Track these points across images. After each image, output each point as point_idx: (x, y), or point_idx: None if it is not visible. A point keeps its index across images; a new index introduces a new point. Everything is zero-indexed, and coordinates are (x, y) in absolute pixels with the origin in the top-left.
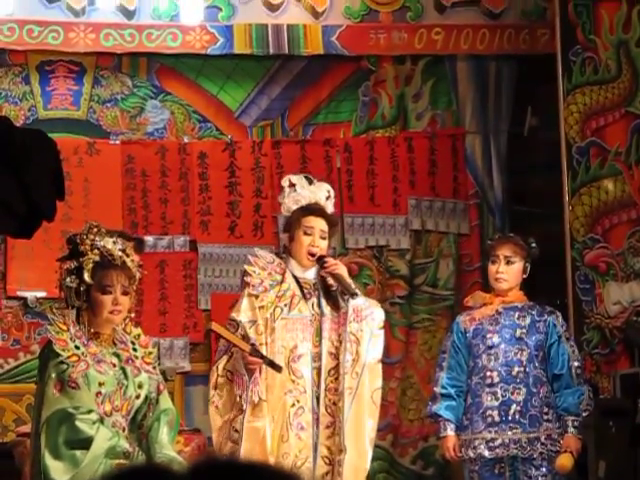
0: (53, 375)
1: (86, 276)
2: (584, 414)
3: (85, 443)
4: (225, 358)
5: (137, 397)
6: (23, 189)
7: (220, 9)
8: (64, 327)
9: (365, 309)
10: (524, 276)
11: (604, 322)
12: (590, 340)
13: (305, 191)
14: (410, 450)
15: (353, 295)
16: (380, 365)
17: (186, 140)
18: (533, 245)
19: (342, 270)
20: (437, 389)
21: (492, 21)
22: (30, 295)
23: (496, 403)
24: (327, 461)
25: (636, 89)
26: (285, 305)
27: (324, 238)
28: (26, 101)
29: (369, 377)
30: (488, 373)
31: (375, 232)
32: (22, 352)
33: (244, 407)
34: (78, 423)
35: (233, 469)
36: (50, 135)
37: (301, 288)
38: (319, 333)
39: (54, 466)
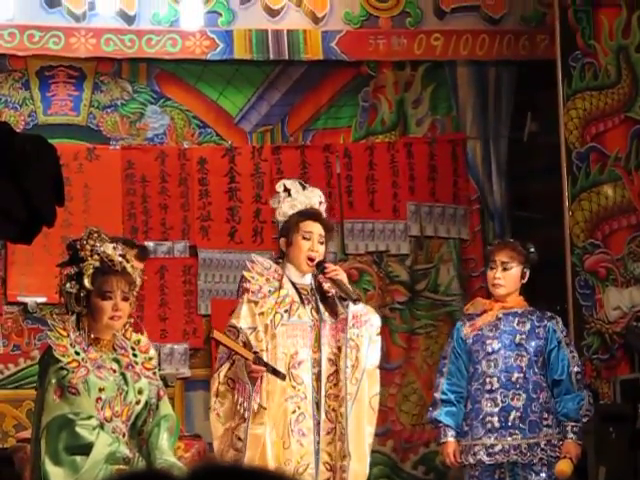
0: (53, 381)
1: (86, 282)
2: (584, 420)
3: (85, 449)
4: (227, 365)
5: (137, 403)
6: (23, 195)
7: (220, 14)
8: (64, 333)
9: (364, 315)
10: (523, 281)
11: (604, 327)
12: (590, 345)
13: (300, 196)
14: (411, 455)
15: (355, 301)
16: (378, 371)
17: (186, 146)
18: (532, 251)
19: (343, 276)
20: (437, 395)
21: (492, 27)
22: (30, 301)
23: (496, 409)
24: (328, 467)
25: (636, 94)
26: (285, 311)
27: (322, 243)
28: (26, 107)
29: (368, 383)
30: (488, 379)
31: (375, 238)
32: (22, 358)
33: (247, 415)
34: (78, 429)
35: (233, 474)
36: (50, 141)
37: (299, 294)
38: (318, 339)
39: (54, 472)
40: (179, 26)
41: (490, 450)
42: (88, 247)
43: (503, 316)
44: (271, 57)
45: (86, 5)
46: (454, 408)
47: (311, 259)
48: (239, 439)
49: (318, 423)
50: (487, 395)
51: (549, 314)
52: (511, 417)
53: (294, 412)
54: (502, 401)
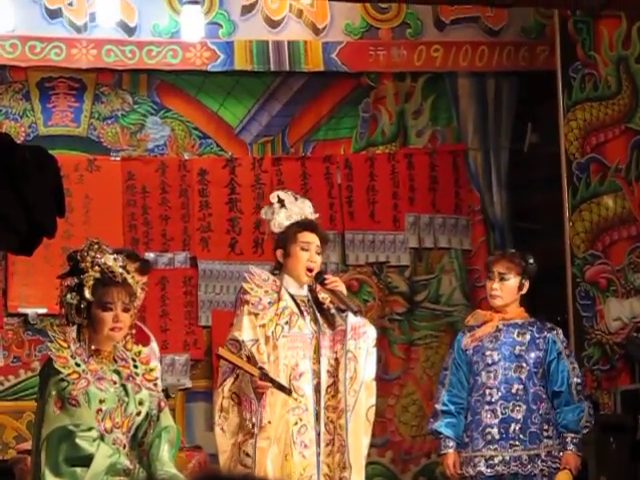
0: (53, 393)
1: (87, 293)
2: (584, 431)
3: (85, 460)
4: (230, 380)
5: (138, 414)
6: (24, 206)
7: (220, 25)
8: (64, 344)
9: (361, 327)
10: (521, 292)
11: (605, 338)
12: (591, 356)
13: (294, 207)
14: (412, 467)
15: (356, 313)
16: (374, 383)
17: (186, 157)
18: (530, 262)
19: (342, 287)
20: (438, 406)
21: (491, 38)
22: (31, 312)
23: (496, 421)
24: (327, 479)
25: (636, 105)
26: (285, 323)
27: (319, 254)
28: (26, 118)
29: (365, 395)
30: (487, 390)
31: (375, 249)
32: (23, 369)
33: (255, 431)
34: (78, 441)
35: None
36: (50, 152)
37: (297, 305)
38: (317, 350)
39: None
40: (180, 37)
41: (490, 462)
42: (89, 258)
43: (503, 327)
44: (272, 68)
45: (87, 16)
46: (454, 419)
47: (310, 270)
48: (247, 455)
49: (318, 435)
50: (487, 406)
51: (549, 325)
52: (511, 429)
53: (296, 424)
54: (502, 413)
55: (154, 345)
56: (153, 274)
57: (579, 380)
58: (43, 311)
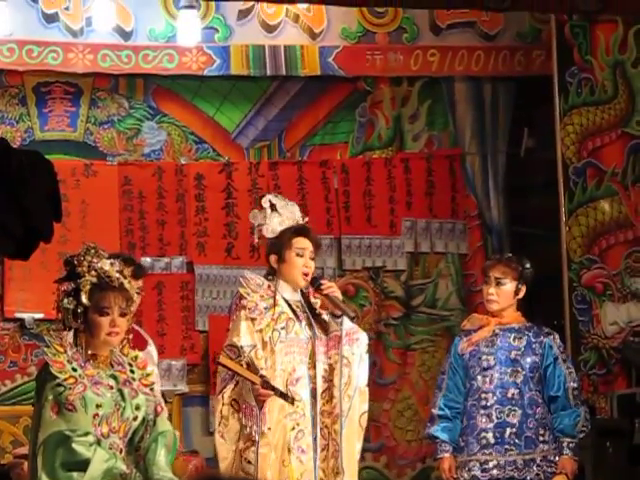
0: (50, 397)
1: (83, 298)
2: (580, 436)
3: (82, 465)
4: (230, 387)
5: (134, 419)
6: (20, 211)
7: (217, 30)
8: (61, 349)
9: (355, 333)
10: (518, 297)
11: (601, 342)
12: (587, 360)
13: (286, 211)
14: (408, 471)
15: (353, 319)
16: (367, 389)
17: (183, 162)
18: (527, 267)
19: (338, 293)
20: (434, 410)
21: (487, 43)
22: (28, 316)
23: (491, 425)
24: None
25: (632, 110)
26: (282, 328)
27: (313, 259)
28: (23, 123)
29: (359, 401)
30: (483, 395)
31: (372, 253)
32: (19, 374)
33: (256, 438)
34: (75, 445)
35: None
36: (47, 157)
37: (293, 310)
38: (312, 355)
39: None
40: (176, 42)
41: (485, 466)
42: (85, 263)
43: (500, 332)
44: (268, 73)
45: (83, 21)
46: (450, 424)
47: (305, 274)
48: (249, 462)
49: (315, 440)
50: (482, 411)
51: (546, 330)
52: (506, 433)
53: (293, 429)
54: (497, 417)
55: (151, 349)
56: (150, 279)
57: (576, 385)
58: (40, 316)
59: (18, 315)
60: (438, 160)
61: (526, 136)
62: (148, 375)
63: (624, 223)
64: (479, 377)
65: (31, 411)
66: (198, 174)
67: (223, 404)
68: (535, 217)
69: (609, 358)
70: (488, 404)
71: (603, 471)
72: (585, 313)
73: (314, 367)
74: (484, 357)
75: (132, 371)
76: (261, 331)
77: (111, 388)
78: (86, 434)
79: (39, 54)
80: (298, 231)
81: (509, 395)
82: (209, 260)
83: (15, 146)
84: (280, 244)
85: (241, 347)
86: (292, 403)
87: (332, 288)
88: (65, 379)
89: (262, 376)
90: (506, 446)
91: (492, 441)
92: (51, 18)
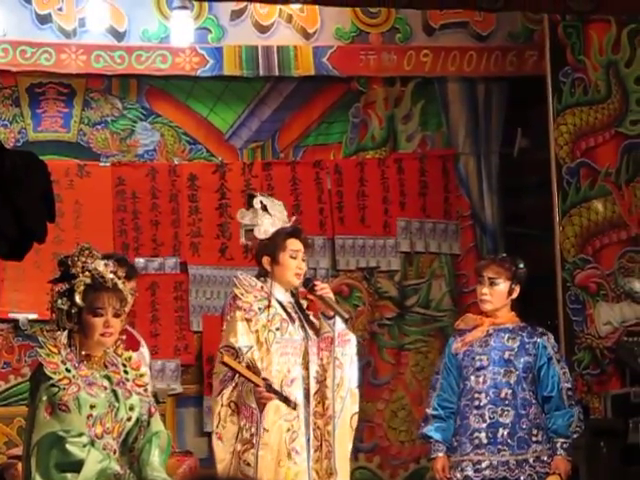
0: (44, 398)
1: (77, 298)
2: (574, 436)
3: (76, 466)
4: (229, 388)
5: (128, 419)
6: (14, 211)
7: (210, 31)
8: (55, 350)
9: (346, 334)
10: (512, 297)
11: (595, 342)
12: (581, 360)
13: (276, 212)
14: (401, 471)
15: (347, 320)
16: (357, 390)
17: (176, 162)
18: (521, 267)
19: (331, 294)
20: (428, 410)
21: (480, 43)
22: (22, 317)
23: (484, 425)
24: None
25: (626, 109)
26: (277, 329)
27: (304, 260)
28: (16, 123)
29: (350, 402)
30: (476, 395)
31: (366, 253)
32: (13, 375)
33: (255, 440)
34: (69, 446)
35: None
36: (40, 157)
37: (286, 311)
38: (305, 356)
39: None
40: (169, 42)
41: (477, 466)
42: (79, 264)
43: (494, 332)
44: (261, 73)
45: (76, 22)
46: (444, 423)
47: (298, 275)
48: (247, 464)
49: (308, 441)
50: (475, 411)
51: (540, 330)
52: (499, 433)
53: (288, 430)
54: (490, 417)
55: (144, 350)
56: (143, 279)
57: (570, 385)
58: (34, 317)
59: (12, 316)
60: (431, 160)
61: (519, 136)
62: (142, 376)
63: (618, 223)
64: (472, 377)
65: (25, 412)
66: (191, 175)
67: (222, 405)
68: (529, 217)
69: (603, 358)
70: (481, 404)
71: (597, 471)
72: (579, 313)
73: (307, 368)
74: (477, 357)
75: (126, 372)
76: (257, 332)
77: (105, 389)
78: (80, 435)
79: (32, 55)
80: (291, 233)
81: (502, 395)
82: (203, 260)
83: (9, 147)
84: (273, 246)
85: (239, 348)
86: (294, 408)
87: (326, 289)
88: (59, 380)
89: (265, 379)
90: (499, 446)
91: (485, 441)
92: (44, 19)
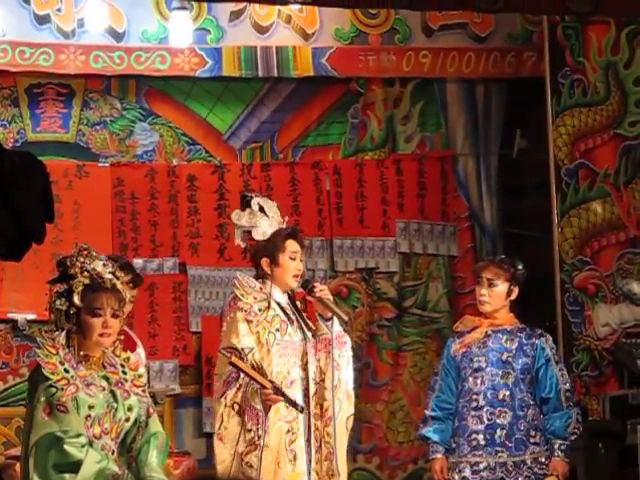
0: (42, 399)
1: (76, 299)
2: (572, 437)
3: (74, 467)
4: (233, 390)
5: (127, 420)
6: (13, 212)
7: (209, 31)
8: (53, 350)
9: (343, 336)
10: (510, 299)
11: (593, 344)
12: (579, 362)
13: (273, 213)
14: (399, 472)
15: (346, 322)
16: (353, 392)
17: (175, 163)
18: (519, 268)
19: (330, 295)
20: (427, 411)
21: (479, 44)
22: (20, 317)
23: (481, 426)
24: None
25: (625, 111)
26: (277, 330)
27: (302, 261)
28: (15, 124)
29: (346, 404)
30: (474, 396)
31: (364, 254)
32: (11, 375)
33: (259, 442)
34: (67, 447)
35: None
36: (39, 158)
37: (285, 313)
38: (303, 357)
39: None
40: (168, 43)
41: (475, 467)
42: (78, 264)
43: (492, 333)
44: (260, 74)
45: (75, 22)
46: (442, 425)
47: (296, 276)
48: (250, 466)
49: (308, 442)
50: (473, 412)
51: (539, 331)
52: (497, 435)
53: (288, 432)
54: (488, 419)
55: (140, 351)
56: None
57: (568, 386)
58: (32, 317)
59: (10, 316)
60: (430, 162)
61: (518, 137)
62: (140, 376)
63: (616, 224)
64: (470, 378)
65: (23, 412)
66: (190, 175)
67: (225, 406)
68: (527, 218)
69: (601, 360)
70: (479, 405)
71: (595, 473)
72: (577, 315)
73: (305, 369)
74: (475, 358)
75: (124, 372)
76: (257, 333)
77: (103, 389)
78: (78, 435)
79: (31, 55)
80: (290, 234)
81: (500, 397)
82: (202, 261)
83: (7, 147)
84: (273, 247)
85: (242, 349)
86: (301, 411)
87: (324, 291)
88: (57, 380)
89: (272, 381)
90: (496, 448)
91: (482, 442)
92: (43, 19)
